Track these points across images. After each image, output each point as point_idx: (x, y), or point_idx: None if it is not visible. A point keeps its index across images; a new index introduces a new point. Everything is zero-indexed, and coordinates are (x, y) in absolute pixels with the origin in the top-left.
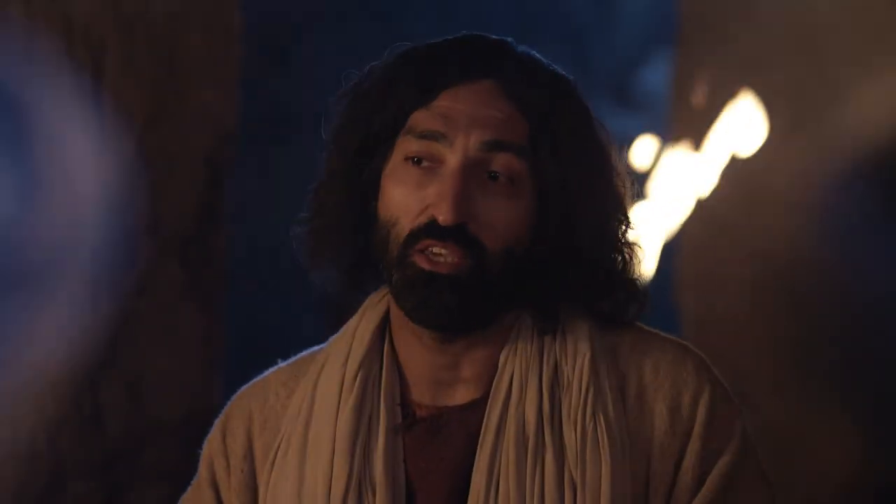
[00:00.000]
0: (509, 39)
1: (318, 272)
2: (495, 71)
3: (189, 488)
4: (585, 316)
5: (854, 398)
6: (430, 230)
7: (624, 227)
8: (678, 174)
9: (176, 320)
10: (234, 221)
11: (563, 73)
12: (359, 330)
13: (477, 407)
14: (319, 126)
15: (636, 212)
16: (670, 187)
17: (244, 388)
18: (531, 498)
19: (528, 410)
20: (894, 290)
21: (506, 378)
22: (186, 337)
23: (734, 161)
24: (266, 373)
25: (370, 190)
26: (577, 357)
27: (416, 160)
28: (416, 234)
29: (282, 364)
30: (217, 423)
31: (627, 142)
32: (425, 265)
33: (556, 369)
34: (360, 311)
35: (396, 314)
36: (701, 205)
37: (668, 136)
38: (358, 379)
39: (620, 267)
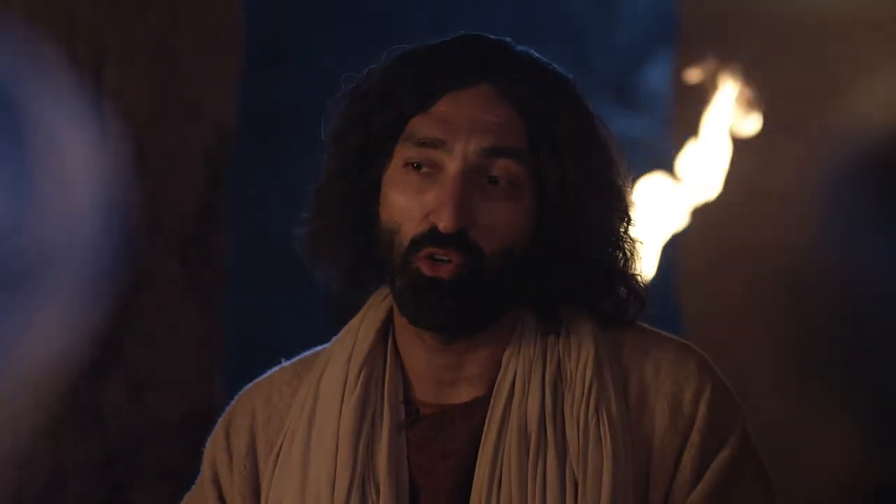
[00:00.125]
0: (508, 40)
1: (319, 272)
2: (494, 74)
3: (192, 488)
4: (588, 316)
5: (854, 397)
6: (432, 237)
7: (626, 224)
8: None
9: (176, 320)
10: (234, 221)
11: (563, 72)
12: (362, 328)
13: (480, 404)
14: (319, 126)
15: (637, 211)
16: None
17: (248, 387)
18: (533, 494)
19: (531, 407)
20: (894, 289)
21: (509, 376)
22: (186, 337)
23: (734, 160)
24: (269, 372)
25: (371, 191)
26: (581, 355)
27: (416, 165)
28: (419, 242)
29: (285, 363)
30: (220, 421)
31: (628, 142)
32: (428, 271)
33: (559, 367)
34: (363, 309)
35: (399, 314)
36: (701, 204)
37: (669, 136)
38: (361, 376)
39: (622, 264)
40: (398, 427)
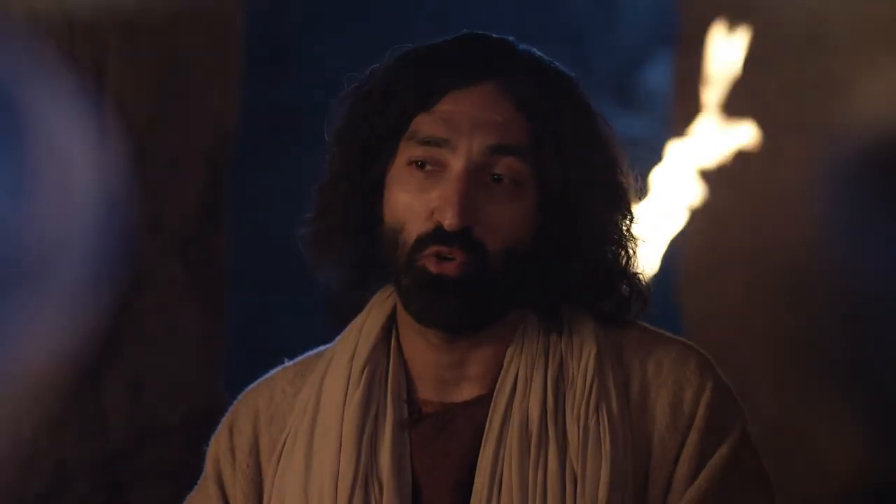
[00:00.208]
0: (510, 38)
1: (322, 272)
2: (496, 72)
3: (196, 487)
4: (590, 315)
5: (855, 397)
6: (437, 235)
7: (628, 222)
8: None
9: (176, 320)
10: (235, 221)
11: (565, 70)
12: (365, 327)
13: (482, 403)
14: (320, 126)
15: (640, 209)
16: (672, 187)
17: (251, 386)
18: (534, 491)
19: (533, 406)
20: (895, 288)
21: (511, 375)
22: (186, 337)
23: (735, 159)
24: (272, 372)
25: (374, 191)
26: (583, 354)
27: (420, 164)
28: (424, 240)
29: (288, 363)
30: (224, 420)
31: (629, 142)
32: (433, 269)
33: (561, 366)
34: (367, 308)
35: (403, 312)
36: (702, 204)
37: (670, 136)
38: (364, 375)
39: (624, 262)
40: (401, 425)
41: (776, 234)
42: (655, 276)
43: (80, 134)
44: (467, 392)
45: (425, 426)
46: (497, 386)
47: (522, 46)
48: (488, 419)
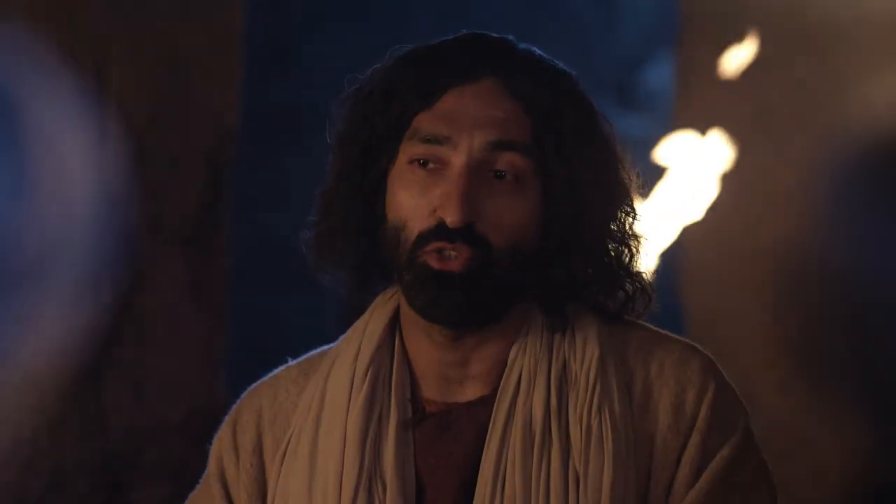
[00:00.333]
0: (510, 37)
1: (325, 275)
2: (497, 69)
3: (198, 485)
4: (594, 314)
5: (858, 398)
6: (439, 232)
7: (631, 219)
8: (682, 173)
9: (177, 320)
10: (236, 221)
11: (566, 68)
12: (369, 327)
13: (486, 403)
14: (321, 125)
15: (643, 207)
16: (674, 187)
17: (254, 385)
18: (537, 491)
19: (536, 406)
20: None
21: (514, 375)
22: (188, 336)
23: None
24: (276, 371)
25: (376, 191)
26: (586, 355)
27: (422, 162)
28: (426, 237)
29: (291, 362)
30: (227, 419)
31: (630, 142)
32: (436, 265)
33: (564, 367)
34: (371, 308)
35: (407, 312)
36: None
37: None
38: (368, 374)
39: (627, 260)
40: (405, 425)
41: (777, 233)
42: (658, 275)
43: (81, 134)
44: (471, 391)
45: (429, 426)
46: (501, 386)
47: (522, 45)
48: (492, 419)
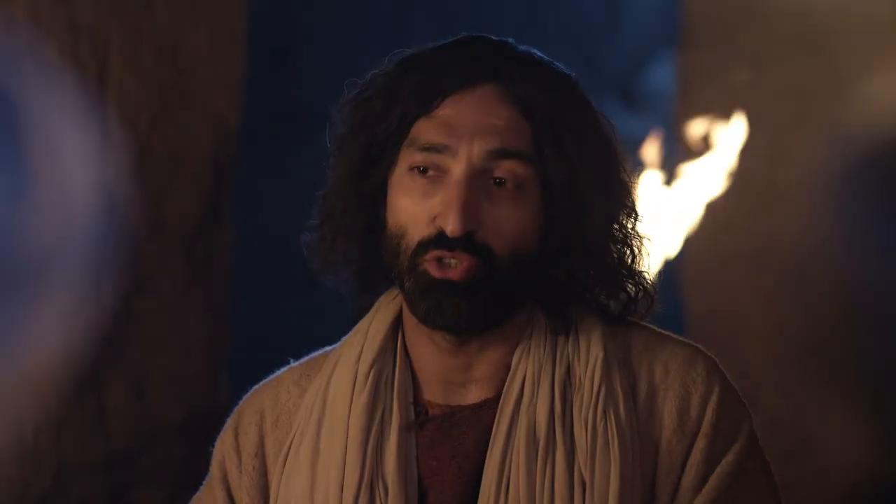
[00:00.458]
0: (509, 40)
1: (328, 278)
2: (496, 74)
3: (201, 487)
4: (597, 316)
5: (861, 398)
6: (439, 241)
7: (633, 220)
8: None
9: (178, 320)
10: (238, 221)
11: (565, 69)
12: (371, 329)
13: (489, 406)
14: (322, 125)
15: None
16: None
17: (256, 387)
18: (541, 496)
19: (540, 410)
20: None
21: (518, 378)
22: (190, 336)
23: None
24: (278, 372)
25: (376, 196)
26: (590, 358)
27: (422, 170)
28: (426, 245)
29: (293, 364)
30: (229, 421)
31: (633, 142)
32: (435, 273)
33: (568, 370)
34: (373, 310)
35: (409, 315)
36: (707, 203)
37: (674, 137)
38: (370, 376)
39: (629, 261)
40: (407, 428)
41: (779, 233)
42: (660, 275)
43: (83, 134)
44: (474, 394)
45: (431, 429)
46: (504, 390)
47: (522, 48)
48: (495, 423)
